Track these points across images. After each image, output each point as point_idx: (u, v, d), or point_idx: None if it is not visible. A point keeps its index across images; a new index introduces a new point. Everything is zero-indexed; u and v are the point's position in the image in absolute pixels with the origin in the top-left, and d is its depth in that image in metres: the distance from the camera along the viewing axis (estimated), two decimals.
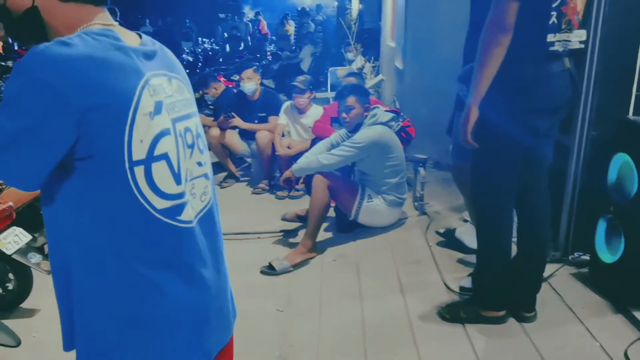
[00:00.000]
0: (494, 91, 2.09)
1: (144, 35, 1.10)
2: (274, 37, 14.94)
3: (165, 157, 1.01)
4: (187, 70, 6.63)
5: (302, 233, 3.80)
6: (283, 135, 4.86)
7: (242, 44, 13.44)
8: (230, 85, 6.33)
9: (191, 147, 1.11)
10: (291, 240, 3.78)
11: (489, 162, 2.26)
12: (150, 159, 0.99)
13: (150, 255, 1.02)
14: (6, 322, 2.72)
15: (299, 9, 13.63)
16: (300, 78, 4.81)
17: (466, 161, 2.50)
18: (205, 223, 1.14)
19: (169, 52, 1.16)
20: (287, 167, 4.76)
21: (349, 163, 3.63)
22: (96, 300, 1.02)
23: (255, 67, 5.05)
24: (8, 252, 2.74)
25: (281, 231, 3.91)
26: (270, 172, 4.96)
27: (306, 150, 4.40)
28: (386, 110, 3.83)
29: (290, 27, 13.47)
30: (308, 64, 10.35)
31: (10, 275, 2.86)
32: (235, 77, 7.84)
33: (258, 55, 11.83)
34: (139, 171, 0.97)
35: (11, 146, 0.89)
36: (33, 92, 0.88)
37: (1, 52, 8.26)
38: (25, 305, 2.90)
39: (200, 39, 14.17)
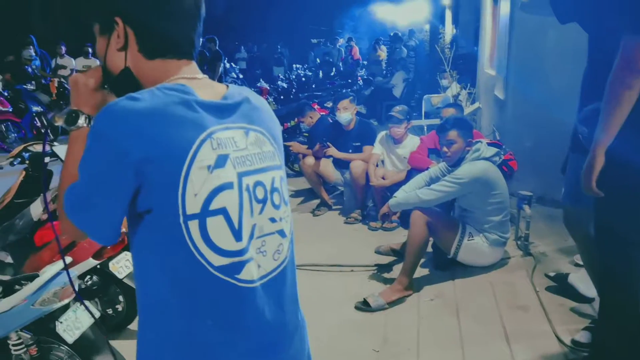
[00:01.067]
0: (623, 136, 1.91)
1: (231, 87, 1.12)
2: (365, 62, 15.03)
3: (222, 211, 1.00)
4: (282, 97, 6.86)
5: (397, 268, 3.71)
6: (377, 166, 4.81)
7: (334, 70, 13.65)
8: (324, 113, 6.40)
9: (262, 201, 1.08)
10: (386, 275, 3.69)
11: (616, 211, 2.05)
12: (206, 213, 0.98)
13: (209, 312, 1.01)
14: (114, 342, 2.86)
15: (391, 34, 13.60)
16: (397, 108, 4.75)
17: (581, 206, 2.30)
18: (275, 283, 1.10)
19: (259, 103, 1.15)
20: (381, 198, 4.71)
21: (449, 199, 3.49)
22: (158, 347, 1.04)
23: (351, 97, 5.07)
24: (119, 276, 2.90)
25: (375, 265, 3.84)
26: (364, 202, 4.92)
27: (402, 182, 4.33)
28: (488, 144, 3.67)
29: (382, 53, 13.48)
30: (400, 90, 10.27)
31: (120, 298, 3.02)
32: (329, 104, 7.95)
33: (350, 81, 11.95)
34: (194, 226, 0.97)
35: (88, 203, 0.98)
36: (98, 146, 0.95)
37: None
38: (132, 326, 3.03)
39: (294, 65, 14.55)
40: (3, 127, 8.15)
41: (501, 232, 3.45)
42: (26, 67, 9.84)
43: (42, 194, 2.92)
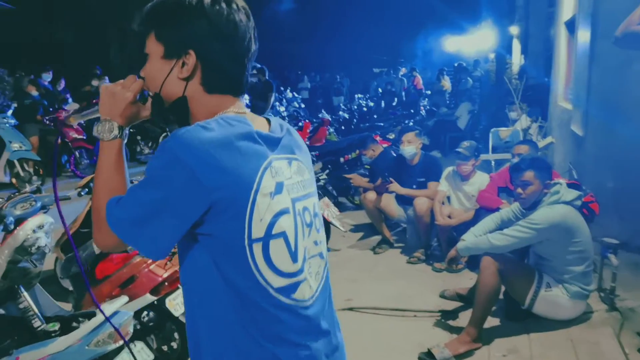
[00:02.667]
0: None
1: (273, 120, 1.18)
2: (428, 93, 14.82)
3: (283, 235, 1.07)
4: (342, 127, 6.79)
5: (463, 315, 3.46)
6: (443, 203, 4.58)
7: (396, 100, 13.53)
8: (387, 145, 6.26)
9: (309, 225, 1.15)
10: (452, 322, 3.44)
11: None
12: (269, 236, 1.05)
13: (270, 330, 1.06)
14: None
15: (456, 64, 13.37)
16: (465, 144, 4.53)
17: None
18: (319, 302, 1.15)
19: (294, 134, 1.22)
20: (446, 238, 4.47)
21: (524, 245, 3.22)
22: None
23: (417, 131, 4.90)
24: (175, 314, 2.85)
25: (440, 311, 3.59)
26: (428, 241, 4.69)
27: (469, 222, 4.09)
28: (568, 184, 3.38)
29: (446, 83, 13.24)
30: (465, 121, 9.99)
31: (176, 335, 2.95)
32: (391, 136, 7.79)
33: (412, 111, 11.79)
34: (257, 249, 1.03)
35: (149, 219, 1.01)
36: (172, 169, 0.99)
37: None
38: None
39: (355, 95, 14.55)
40: (77, 153, 8.52)
41: (583, 284, 3.13)
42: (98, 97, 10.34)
43: None
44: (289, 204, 1.09)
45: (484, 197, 4.21)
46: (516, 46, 12.33)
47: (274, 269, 1.05)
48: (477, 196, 4.30)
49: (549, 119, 7.38)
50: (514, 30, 12.17)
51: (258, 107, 8.51)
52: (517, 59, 11.95)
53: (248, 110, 1.16)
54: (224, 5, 1.09)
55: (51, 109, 8.70)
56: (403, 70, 17.48)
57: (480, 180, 4.49)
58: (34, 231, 2.21)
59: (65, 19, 16.07)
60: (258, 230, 1.03)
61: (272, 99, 9.07)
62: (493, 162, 6.49)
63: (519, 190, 3.22)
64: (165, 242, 1.04)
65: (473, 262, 4.19)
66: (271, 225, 1.05)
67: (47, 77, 9.55)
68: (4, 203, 2.39)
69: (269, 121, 1.18)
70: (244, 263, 1.02)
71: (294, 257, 1.09)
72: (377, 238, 5.11)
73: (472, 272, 4.24)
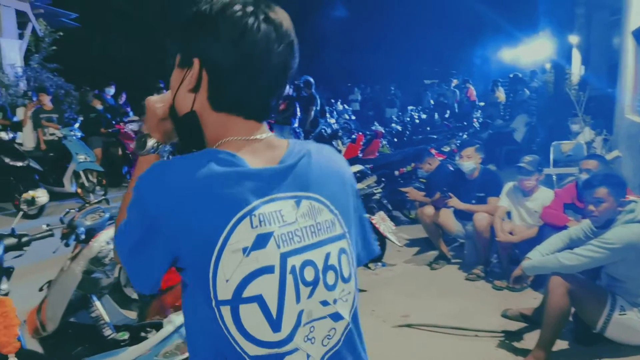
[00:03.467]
0: None
1: (292, 145, 1.01)
2: (482, 104, 14.49)
3: (258, 299, 0.89)
4: (395, 139, 6.72)
5: (528, 337, 3.32)
6: (504, 219, 4.43)
7: (449, 112, 13.30)
8: (442, 158, 6.15)
9: (312, 284, 0.94)
10: (516, 344, 3.31)
11: None
12: (238, 300, 0.89)
13: None
14: None
15: (511, 75, 13.00)
16: (527, 158, 4.38)
17: None
18: None
19: (321, 159, 1.03)
20: (507, 255, 4.33)
21: (596, 266, 3.07)
22: None
23: (477, 145, 4.79)
24: None
25: (503, 331, 3.46)
26: (487, 257, 4.55)
27: (533, 239, 3.94)
28: None
29: (501, 94, 12.89)
30: (522, 134, 9.70)
31: None
32: (446, 149, 7.66)
33: (465, 123, 11.53)
34: (226, 312, 0.89)
35: (128, 254, 0.95)
36: (138, 210, 0.92)
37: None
38: None
39: (408, 107, 14.41)
40: None
41: None
42: None
43: None
44: (274, 260, 0.91)
45: (549, 213, 4.05)
46: (576, 56, 11.88)
47: (247, 336, 0.90)
48: (541, 212, 4.14)
49: (614, 131, 7.05)
50: (574, 39, 11.73)
51: (302, 119, 8.58)
52: (577, 70, 11.52)
53: (264, 136, 1.00)
54: (238, 10, 0.95)
55: (114, 122, 9.08)
56: (455, 82, 17.17)
57: (543, 196, 4.32)
58: (107, 243, 2.29)
59: (128, 35, 16.81)
60: (224, 293, 0.88)
61: (313, 112, 9.10)
62: (555, 177, 6.25)
63: (591, 207, 3.07)
64: (145, 278, 0.95)
65: (537, 282, 4.03)
66: (241, 288, 0.89)
67: (110, 91, 9.99)
68: (76, 214, 2.48)
69: (289, 147, 1.02)
70: (214, 324, 0.90)
71: (275, 325, 0.91)
72: (434, 253, 5.01)
73: (535, 292, 4.08)
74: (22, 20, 11.46)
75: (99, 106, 9.12)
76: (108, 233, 2.34)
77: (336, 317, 0.98)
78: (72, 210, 2.57)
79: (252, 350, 0.90)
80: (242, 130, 0.98)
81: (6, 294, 2.04)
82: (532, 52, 15.17)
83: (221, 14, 0.95)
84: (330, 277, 0.97)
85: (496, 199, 4.53)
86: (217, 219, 0.89)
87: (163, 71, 1.04)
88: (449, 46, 21.15)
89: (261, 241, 0.90)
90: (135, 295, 3.36)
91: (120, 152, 9.12)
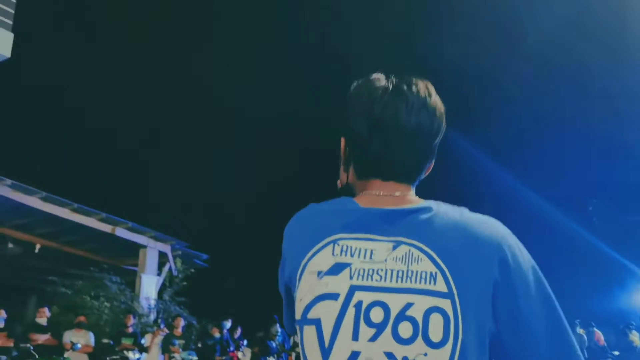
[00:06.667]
0: None
1: (424, 203, 0.99)
2: (616, 353, 12.93)
3: (316, 322, 0.90)
4: None
5: None
6: None
7: None
8: None
9: (377, 326, 0.86)
10: None
11: None
12: (304, 320, 0.92)
13: None
14: None
15: None
16: None
17: None
18: None
19: (449, 216, 0.96)
20: None
21: None
22: None
23: None
24: None
25: None
26: None
27: None
28: None
29: (636, 338, 11.54)
30: None
31: None
32: None
33: None
34: (298, 330, 0.94)
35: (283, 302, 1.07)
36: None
37: None
38: None
39: None
40: None
41: None
42: (270, 342, 10.91)
43: None
44: (342, 289, 0.89)
45: None
46: None
47: (305, 358, 0.92)
48: None
49: None
50: None
51: None
52: None
53: (397, 194, 1.01)
54: (367, 86, 1.03)
55: (228, 350, 9.36)
56: (581, 331, 15.77)
57: None
58: None
59: (249, 268, 18.32)
60: (298, 312, 0.94)
61: None
62: None
63: None
64: (288, 322, 1.06)
65: None
66: (307, 309, 0.91)
67: (226, 325, 10.55)
68: None
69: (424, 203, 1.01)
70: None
71: (325, 354, 0.87)
72: None
73: None
74: (162, 260, 13.07)
75: (217, 334, 9.57)
76: None
77: None
78: None
79: None
80: (373, 189, 1.03)
81: None
82: None
83: (355, 91, 1.05)
84: (405, 329, 0.87)
85: None
86: (307, 244, 0.97)
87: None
88: None
89: (337, 269, 0.91)
90: None
91: None
